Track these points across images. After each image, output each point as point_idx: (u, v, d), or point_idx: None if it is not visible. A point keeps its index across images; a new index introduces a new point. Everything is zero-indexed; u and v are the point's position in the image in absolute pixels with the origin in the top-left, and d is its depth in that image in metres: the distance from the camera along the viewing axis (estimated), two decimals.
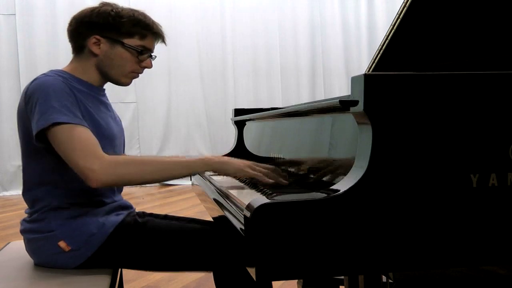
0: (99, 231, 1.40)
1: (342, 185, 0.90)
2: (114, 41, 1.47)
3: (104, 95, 1.58)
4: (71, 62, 1.54)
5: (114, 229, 1.42)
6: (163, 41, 1.56)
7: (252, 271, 0.87)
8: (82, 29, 1.48)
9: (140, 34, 1.49)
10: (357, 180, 0.88)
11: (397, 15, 1.51)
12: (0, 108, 6.49)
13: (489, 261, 0.94)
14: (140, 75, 1.57)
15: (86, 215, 1.42)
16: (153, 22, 1.53)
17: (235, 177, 1.52)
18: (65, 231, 1.39)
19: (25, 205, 1.50)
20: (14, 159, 6.39)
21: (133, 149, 6.87)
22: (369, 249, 0.88)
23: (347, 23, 7.78)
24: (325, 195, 0.88)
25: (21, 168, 1.51)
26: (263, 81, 7.45)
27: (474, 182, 0.92)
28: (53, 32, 6.57)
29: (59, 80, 1.39)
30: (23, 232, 1.47)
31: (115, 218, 1.45)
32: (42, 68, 6.32)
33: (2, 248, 1.70)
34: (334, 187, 0.91)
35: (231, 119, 2.26)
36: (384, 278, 1.45)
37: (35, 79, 1.41)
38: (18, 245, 1.67)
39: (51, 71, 1.47)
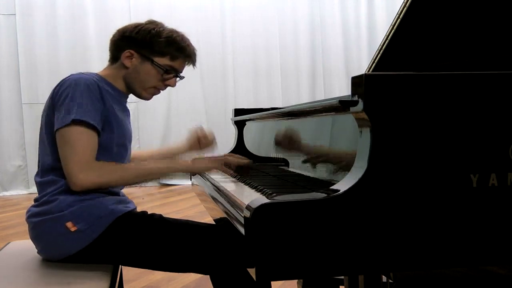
0: (107, 215, 1.43)
1: (342, 185, 0.90)
2: (145, 57, 1.57)
3: (126, 102, 1.67)
4: (106, 68, 1.63)
5: (122, 215, 1.45)
6: (193, 64, 1.66)
7: (252, 271, 0.87)
8: (121, 42, 1.59)
9: (171, 55, 1.58)
10: (357, 180, 0.88)
11: (397, 15, 1.51)
12: (0, 108, 6.48)
13: (489, 261, 0.95)
14: None
15: (96, 200, 1.45)
16: (188, 45, 1.62)
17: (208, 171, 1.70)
18: (74, 212, 1.42)
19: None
20: (14, 159, 6.38)
21: (133, 149, 6.81)
22: (369, 249, 0.88)
23: (347, 23, 7.76)
24: (325, 195, 0.88)
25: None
26: (263, 81, 7.44)
27: (474, 182, 0.92)
28: (53, 32, 6.56)
29: (92, 79, 1.47)
30: (29, 217, 1.49)
31: (124, 208, 1.48)
32: (42, 68, 6.37)
33: (2, 248, 1.70)
34: (334, 187, 0.91)
35: (231, 119, 2.26)
36: (384, 278, 1.45)
37: (70, 75, 1.49)
38: (18, 245, 1.68)
39: (88, 72, 1.55)
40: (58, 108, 1.44)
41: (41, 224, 1.45)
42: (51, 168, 1.47)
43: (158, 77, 1.59)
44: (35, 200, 1.51)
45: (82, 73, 1.51)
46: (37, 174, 1.54)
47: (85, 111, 1.41)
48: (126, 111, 1.64)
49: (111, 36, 1.63)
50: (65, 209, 1.42)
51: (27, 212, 1.50)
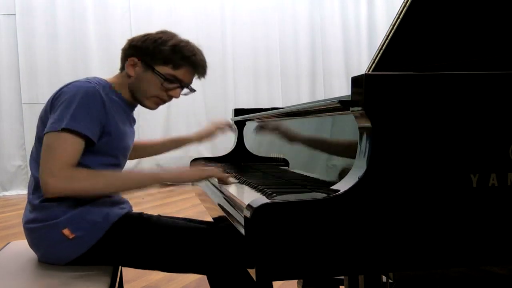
0: (103, 220, 1.42)
1: (342, 185, 0.90)
2: (147, 65, 1.53)
3: (132, 111, 1.64)
4: (115, 76, 1.60)
5: (118, 219, 1.44)
6: (201, 76, 1.59)
7: (252, 271, 0.87)
8: (128, 50, 1.56)
9: (174, 63, 1.53)
10: (357, 180, 0.88)
11: (397, 15, 1.51)
12: (0, 108, 6.48)
13: (489, 261, 0.95)
14: None
15: (90, 204, 1.43)
16: (194, 54, 1.55)
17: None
18: (70, 218, 1.40)
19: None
20: (14, 159, 6.37)
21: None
22: (369, 249, 0.88)
23: (347, 23, 7.77)
24: (325, 195, 0.88)
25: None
26: (263, 81, 7.45)
27: (474, 182, 0.92)
28: (53, 32, 6.56)
29: (93, 88, 1.42)
30: (26, 222, 1.47)
31: (119, 211, 1.47)
32: (42, 68, 6.36)
33: (2, 248, 1.70)
34: (334, 187, 0.91)
35: (231, 119, 2.26)
36: (384, 278, 1.45)
37: (75, 81, 1.45)
38: (18, 245, 1.67)
39: (95, 78, 1.52)
40: (53, 113, 1.40)
41: (37, 230, 1.43)
42: None
43: (158, 86, 1.53)
44: (29, 201, 1.48)
45: (88, 80, 1.46)
46: (31, 168, 1.49)
47: (78, 120, 1.36)
48: (130, 120, 1.61)
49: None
50: (60, 216, 1.40)
51: (24, 216, 1.49)
